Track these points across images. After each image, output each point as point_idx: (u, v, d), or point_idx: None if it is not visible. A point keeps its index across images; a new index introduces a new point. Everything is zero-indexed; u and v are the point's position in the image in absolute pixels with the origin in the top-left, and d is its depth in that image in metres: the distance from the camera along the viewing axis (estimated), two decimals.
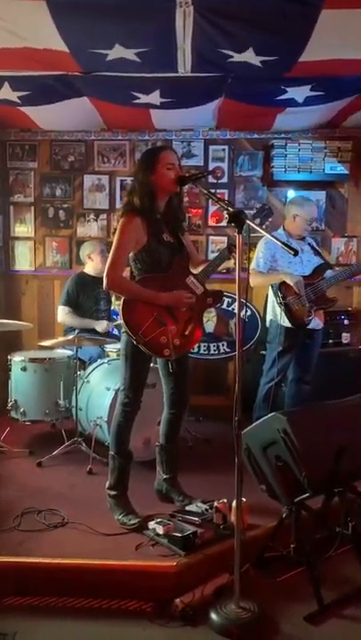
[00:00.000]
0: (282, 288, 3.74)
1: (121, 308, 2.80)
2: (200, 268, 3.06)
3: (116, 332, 4.49)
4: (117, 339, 3.36)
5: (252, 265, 3.84)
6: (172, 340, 2.84)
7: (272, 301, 3.91)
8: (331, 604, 2.42)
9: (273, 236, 2.60)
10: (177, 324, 2.89)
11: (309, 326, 3.81)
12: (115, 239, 2.85)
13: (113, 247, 2.84)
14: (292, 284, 3.69)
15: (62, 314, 4.55)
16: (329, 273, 3.90)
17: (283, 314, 3.74)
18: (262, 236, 3.19)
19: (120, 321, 2.86)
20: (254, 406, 3.94)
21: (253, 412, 3.88)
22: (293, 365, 3.97)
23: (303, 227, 3.92)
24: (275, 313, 3.87)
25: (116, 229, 2.92)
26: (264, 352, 4.19)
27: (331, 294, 3.87)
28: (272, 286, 3.84)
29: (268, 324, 4.03)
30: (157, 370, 3.17)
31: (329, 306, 3.89)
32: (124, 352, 2.94)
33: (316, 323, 3.88)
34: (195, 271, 3.04)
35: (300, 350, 3.90)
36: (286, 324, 3.76)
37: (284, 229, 3.97)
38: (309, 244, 4.05)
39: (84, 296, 4.55)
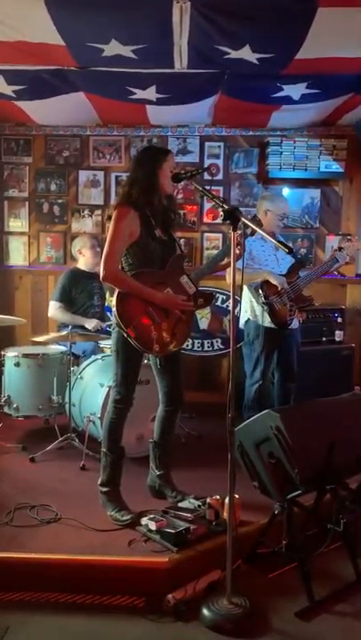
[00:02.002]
0: (264, 287, 3.66)
1: (115, 300, 2.79)
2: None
3: (109, 328, 4.48)
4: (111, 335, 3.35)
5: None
6: (162, 337, 2.85)
7: (249, 301, 3.81)
8: (322, 600, 2.44)
9: (267, 234, 2.60)
10: (168, 321, 2.89)
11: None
12: (110, 230, 2.83)
13: (108, 238, 2.82)
14: (276, 283, 3.65)
15: (53, 309, 4.54)
16: (302, 271, 3.88)
17: (265, 314, 3.67)
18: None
19: (113, 315, 2.85)
20: (243, 407, 3.88)
21: (243, 413, 3.86)
22: (277, 366, 3.95)
23: (275, 222, 3.87)
24: (254, 313, 3.79)
25: (109, 217, 2.89)
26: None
27: (308, 292, 3.84)
28: (250, 286, 3.74)
29: (242, 324, 3.91)
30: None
31: (307, 305, 3.82)
32: (116, 348, 2.93)
33: (294, 322, 3.84)
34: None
35: (281, 350, 3.88)
36: (268, 324, 3.70)
37: None
38: (281, 241, 4.01)
39: (78, 291, 4.54)
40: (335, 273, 4.06)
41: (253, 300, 3.75)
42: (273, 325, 3.70)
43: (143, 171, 2.86)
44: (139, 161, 2.94)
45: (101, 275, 2.82)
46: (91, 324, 4.39)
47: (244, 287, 3.80)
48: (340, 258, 3.81)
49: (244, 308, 3.91)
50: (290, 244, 4.10)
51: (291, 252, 2.51)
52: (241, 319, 3.94)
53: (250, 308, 3.84)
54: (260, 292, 3.67)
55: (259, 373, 3.81)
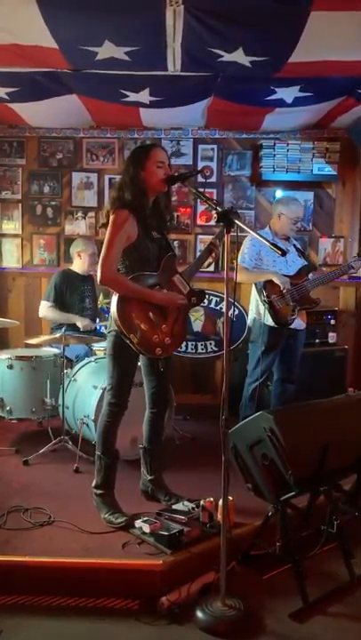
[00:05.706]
0: (267, 286, 3.76)
1: (115, 306, 2.77)
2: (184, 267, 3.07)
3: (103, 329, 4.47)
4: (105, 337, 3.34)
5: (238, 259, 3.87)
6: (163, 340, 2.86)
7: (255, 300, 3.91)
8: (316, 601, 2.44)
9: (260, 235, 2.61)
10: (167, 323, 2.90)
11: (292, 326, 3.82)
12: (107, 234, 2.82)
13: (106, 242, 2.82)
14: (278, 283, 3.71)
15: (44, 308, 4.52)
16: (312, 275, 3.93)
17: (266, 312, 3.75)
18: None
19: (112, 319, 2.83)
20: (240, 406, 3.96)
21: (240, 412, 3.90)
22: (278, 365, 3.98)
23: (288, 226, 3.92)
24: (258, 312, 3.87)
25: (103, 224, 2.90)
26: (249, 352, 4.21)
27: (315, 295, 3.91)
28: (256, 284, 3.84)
29: (250, 322, 4.03)
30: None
31: (312, 307, 3.92)
32: (111, 352, 2.93)
33: (299, 323, 3.89)
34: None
35: (283, 350, 3.91)
36: (270, 322, 3.77)
37: (269, 228, 3.99)
38: (294, 245, 4.07)
39: (70, 292, 4.52)
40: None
41: (258, 299, 3.83)
42: (274, 324, 3.75)
43: (129, 173, 2.88)
44: (127, 163, 2.97)
45: (99, 278, 2.80)
46: (82, 322, 4.38)
47: (252, 287, 3.92)
48: (356, 265, 3.88)
49: (251, 308, 4.02)
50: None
51: (283, 254, 2.52)
52: (248, 318, 4.06)
53: (255, 307, 3.92)
54: (263, 291, 3.76)
55: (259, 372, 3.85)
